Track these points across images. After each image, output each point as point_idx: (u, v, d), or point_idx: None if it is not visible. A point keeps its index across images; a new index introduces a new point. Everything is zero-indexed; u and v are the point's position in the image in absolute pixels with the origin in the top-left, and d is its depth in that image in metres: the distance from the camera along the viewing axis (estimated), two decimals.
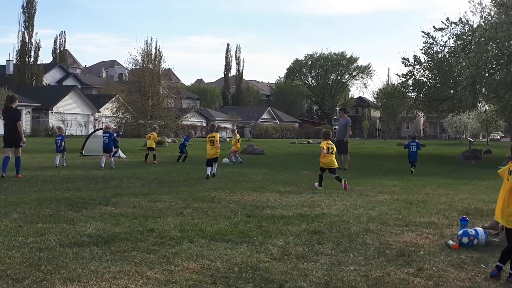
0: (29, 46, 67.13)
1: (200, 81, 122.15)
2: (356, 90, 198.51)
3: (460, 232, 6.20)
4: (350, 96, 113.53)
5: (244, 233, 6.56)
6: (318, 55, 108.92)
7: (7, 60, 73.14)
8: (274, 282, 4.62)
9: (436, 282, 4.73)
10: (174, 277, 4.71)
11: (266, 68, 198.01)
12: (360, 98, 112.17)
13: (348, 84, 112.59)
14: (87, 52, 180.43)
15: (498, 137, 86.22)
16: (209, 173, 13.59)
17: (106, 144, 16.71)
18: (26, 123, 54.26)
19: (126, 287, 4.41)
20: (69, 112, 56.70)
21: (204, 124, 76.85)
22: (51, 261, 5.11)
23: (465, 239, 6.05)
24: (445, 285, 4.67)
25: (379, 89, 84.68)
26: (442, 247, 6.07)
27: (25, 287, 4.34)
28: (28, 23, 66.97)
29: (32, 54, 67.92)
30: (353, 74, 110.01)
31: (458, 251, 5.87)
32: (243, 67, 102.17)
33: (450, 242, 6.12)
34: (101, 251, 5.56)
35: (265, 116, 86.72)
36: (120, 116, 38.03)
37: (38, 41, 68.77)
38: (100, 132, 31.00)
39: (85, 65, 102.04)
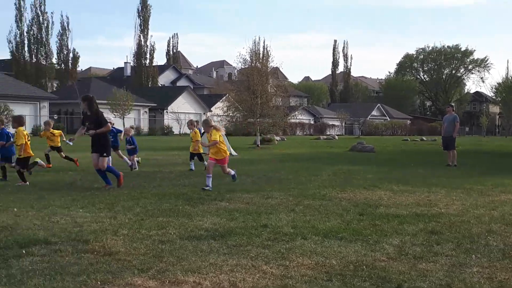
0: (145, 48, 70.48)
1: (307, 78, 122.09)
2: (473, 84, 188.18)
3: None
4: (466, 91, 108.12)
5: (358, 231, 6.46)
6: (430, 48, 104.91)
7: (125, 63, 77.60)
8: (392, 282, 4.50)
9: None
10: (290, 272, 4.74)
11: (375, 63, 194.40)
12: (477, 92, 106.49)
13: (464, 79, 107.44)
14: (198, 53, 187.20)
15: None
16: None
17: None
18: (143, 122, 57.41)
19: (244, 280, 4.50)
20: (182, 112, 59.08)
21: (312, 122, 76.70)
22: (173, 253, 5.35)
23: None
24: None
25: (497, 83, 79.76)
26: None
27: (150, 277, 4.57)
28: (143, 26, 70.10)
29: (148, 56, 71.26)
30: (469, 67, 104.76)
31: None
32: (351, 63, 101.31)
33: None
34: (218, 245, 5.73)
35: (374, 112, 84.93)
36: (230, 114, 38.93)
37: (153, 44, 72.12)
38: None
39: (197, 66, 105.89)
